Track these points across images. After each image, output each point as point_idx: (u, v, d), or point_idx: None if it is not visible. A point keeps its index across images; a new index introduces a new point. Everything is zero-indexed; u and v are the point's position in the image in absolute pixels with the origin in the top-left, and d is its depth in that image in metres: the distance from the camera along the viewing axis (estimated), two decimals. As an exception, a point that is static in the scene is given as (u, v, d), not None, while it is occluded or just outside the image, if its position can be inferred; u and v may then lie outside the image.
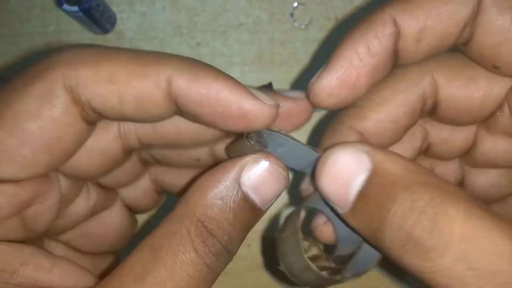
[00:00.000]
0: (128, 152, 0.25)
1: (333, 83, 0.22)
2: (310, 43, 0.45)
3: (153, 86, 0.19)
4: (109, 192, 0.27)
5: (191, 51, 0.44)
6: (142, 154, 0.27)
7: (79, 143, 0.21)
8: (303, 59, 0.45)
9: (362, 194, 0.20)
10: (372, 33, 0.22)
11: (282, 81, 0.45)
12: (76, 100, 0.19)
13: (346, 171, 0.20)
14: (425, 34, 0.22)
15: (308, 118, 0.24)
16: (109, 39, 0.44)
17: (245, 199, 0.21)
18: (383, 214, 0.19)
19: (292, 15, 0.45)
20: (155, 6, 0.44)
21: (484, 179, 0.27)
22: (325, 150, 0.22)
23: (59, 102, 0.19)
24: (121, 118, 0.21)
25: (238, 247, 0.22)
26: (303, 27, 0.45)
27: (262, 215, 0.22)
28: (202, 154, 0.26)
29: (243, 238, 0.22)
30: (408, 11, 0.21)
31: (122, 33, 0.44)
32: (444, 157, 0.28)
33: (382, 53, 0.22)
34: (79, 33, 0.44)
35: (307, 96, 0.24)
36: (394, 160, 0.20)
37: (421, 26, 0.21)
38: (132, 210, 0.29)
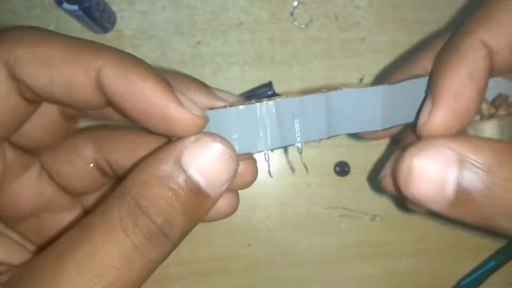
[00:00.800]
0: (70, 120, 0.25)
1: (447, 118, 0.22)
2: (310, 43, 0.45)
3: (82, 74, 0.20)
4: (68, 195, 0.27)
5: (191, 50, 0.44)
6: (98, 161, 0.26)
7: (18, 118, 0.21)
8: (303, 58, 0.45)
9: (460, 188, 0.20)
10: (469, 61, 0.22)
11: (282, 81, 0.45)
12: (13, 76, 0.20)
13: (436, 176, 0.20)
14: None
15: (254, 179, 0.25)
16: (109, 38, 0.44)
17: (188, 180, 0.20)
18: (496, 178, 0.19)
19: (292, 14, 0.45)
20: (155, 5, 0.44)
21: None
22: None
23: None
24: (53, 100, 0.21)
25: (181, 234, 0.20)
26: (303, 26, 0.45)
27: (212, 203, 0.21)
28: None
29: (187, 225, 0.20)
30: (494, 30, 0.22)
31: (122, 32, 0.44)
32: None
33: (483, 75, 0.23)
34: (79, 32, 0.44)
35: (417, 134, 0.23)
36: (478, 143, 0.20)
37: (510, 38, 0.22)
38: None
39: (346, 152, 0.45)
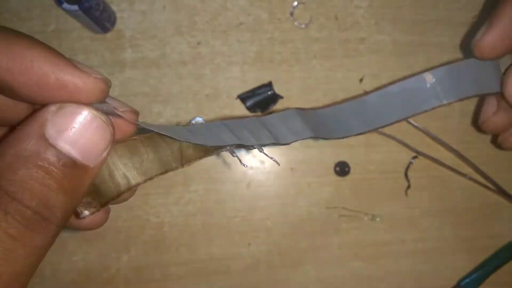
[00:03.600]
0: None
1: (496, 38, 0.27)
2: (310, 42, 0.45)
3: None
4: None
5: (191, 50, 0.44)
6: None
7: None
8: (303, 58, 0.45)
9: None
10: None
11: (282, 81, 0.45)
12: None
13: None
14: None
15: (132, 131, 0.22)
16: (109, 38, 0.44)
17: (59, 154, 0.18)
18: None
19: (292, 14, 0.45)
20: (155, 5, 0.44)
21: None
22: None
23: None
24: None
25: (64, 213, 0.18)
26: (303, 26, 0.45)
27: (94, 173, 0.19)
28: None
29: (68, 203, 0.18)
30: None
31: (122, 32, 0.44)
32: None
33: None
34: (79, 32, 0.44)
35: (472, 51, 0.28)
36: None
37: None
38: None
39: (346, 152, 0.45)
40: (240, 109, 0.45)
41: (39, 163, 0.17)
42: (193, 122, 0.24)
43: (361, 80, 0.45)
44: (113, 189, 0.22)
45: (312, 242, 0.45)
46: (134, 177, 0.23)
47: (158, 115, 0.44)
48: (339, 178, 0.45)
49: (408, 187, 0.46)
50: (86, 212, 0.21)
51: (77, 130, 0.18)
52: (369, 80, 0.45)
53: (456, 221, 0.46)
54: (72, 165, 0.18)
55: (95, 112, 0.19)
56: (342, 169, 0.45)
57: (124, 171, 0.22)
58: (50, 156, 0.17)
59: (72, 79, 0.18)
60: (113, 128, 0.19)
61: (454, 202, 0.46)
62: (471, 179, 0.46)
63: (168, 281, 0.44)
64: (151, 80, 0.44)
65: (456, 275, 0.46)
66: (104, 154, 0.19)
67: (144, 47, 0.44)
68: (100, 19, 0.41)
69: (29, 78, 0.17)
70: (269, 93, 0.44)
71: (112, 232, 0.44)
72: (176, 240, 0.44)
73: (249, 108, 0.44)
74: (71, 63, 0.18)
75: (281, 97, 0.44)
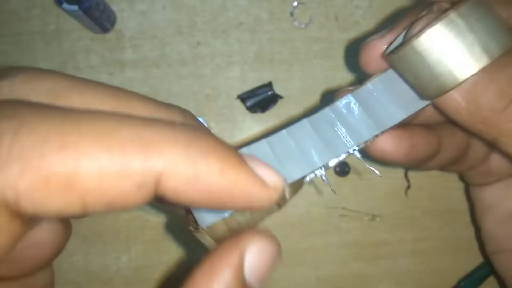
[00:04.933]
0: None
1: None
2: (310, 42, 0.45)
3: (135, 189, 0.14)
4: None
5: (191, 50, 0.44)
6: None
7: (15, 241, 0.15)
8: (303, 58, 0.45)
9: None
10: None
11: (282, 81, 0.45)
12: (15, 213, 0.13)
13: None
14: None
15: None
16: (108, 38, 0.44)
17: None
18: None
19: (292, 14, 0.45)
20: (155, 5, 0.44)
21: None
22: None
23: None
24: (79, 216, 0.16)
25: None
26: (303, 26, 0.45)
27: None
28: None
29: None
30: None
31: (122, 32, 0.44)
32: None
33: None
34: (79, 32, 0.44)
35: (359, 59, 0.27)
36: None
37: None
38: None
39: (346, 152, 0.45)
40: (240, 109, 0.45)
41: None
42: None
43: (361, 80, 0.45)
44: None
45: (312, 242, 0.45)
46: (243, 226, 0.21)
47: (158, 115, 0.44)
48: (339, 178, 0.45)
49: (408, 187, 0.46)
50: None
51: (267, 266, 0.16)
52: (369, 80, 0.45)
53: (456, 221, 0.46)
54: None
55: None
56: (342, 169, 0.45)
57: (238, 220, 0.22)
58: None
59: (255, 192, 0.15)
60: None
61: (454, 202, 0.46)
62: (471, 179, 0.46)
63: (168, 282, 0.44)
64: (151, 80, 0.44)
65: (456, 275, 0.46)
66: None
67: (144, 47, 0.44)
68: (100, 19, 0.41)
69: (216, 199, 0.15)
70: (269, 93, 0.44)
71: (112, 232, 0.44)
72: (176, 240, 0.44)
73: (249, 108, 0.44)
74: (254, 174, 0.15)
75: (281, 97, 0.44)
